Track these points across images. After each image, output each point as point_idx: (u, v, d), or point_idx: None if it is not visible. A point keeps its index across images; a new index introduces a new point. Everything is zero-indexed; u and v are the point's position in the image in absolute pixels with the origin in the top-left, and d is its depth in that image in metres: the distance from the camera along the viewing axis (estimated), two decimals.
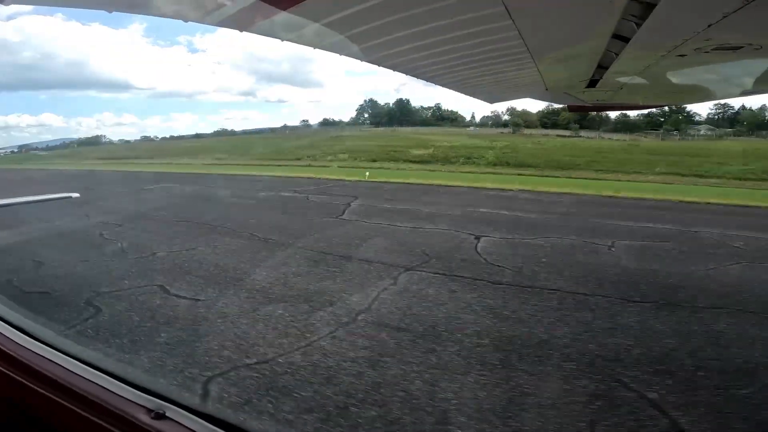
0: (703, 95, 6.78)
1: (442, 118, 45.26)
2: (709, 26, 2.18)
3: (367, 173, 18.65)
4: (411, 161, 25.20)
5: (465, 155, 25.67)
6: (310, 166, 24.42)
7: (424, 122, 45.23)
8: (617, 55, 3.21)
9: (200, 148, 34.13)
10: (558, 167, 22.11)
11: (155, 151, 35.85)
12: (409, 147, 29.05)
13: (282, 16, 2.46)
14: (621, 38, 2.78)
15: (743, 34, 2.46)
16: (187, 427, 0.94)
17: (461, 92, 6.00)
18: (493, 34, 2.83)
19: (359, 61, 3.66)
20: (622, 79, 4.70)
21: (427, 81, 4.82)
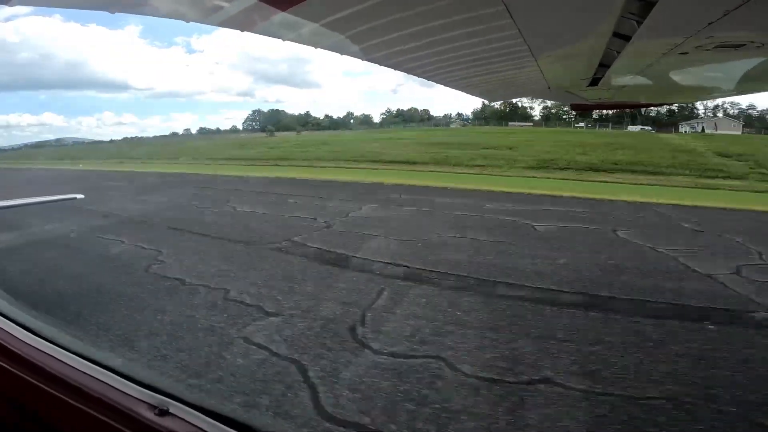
0: (705, 93, 6.74)
1: (304, 123, 52.08)
2: (709, 24, 2.17)
3: None
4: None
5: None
6: None
7: (287, 128, 51.33)
8: (618, 53, 3.20)
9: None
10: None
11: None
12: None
13: (282, 17, 2.47)
14: (622, 36, 2.77)
15: (745, 32, 2.45)
16: (190, 424, 0.93)
17: (461, 90, 5.98)
18: (493, 32, 2.83)
19: (360, 60, 3.66)
20: (624, 78, 4.67)
21: (427, 80, 4.80)
